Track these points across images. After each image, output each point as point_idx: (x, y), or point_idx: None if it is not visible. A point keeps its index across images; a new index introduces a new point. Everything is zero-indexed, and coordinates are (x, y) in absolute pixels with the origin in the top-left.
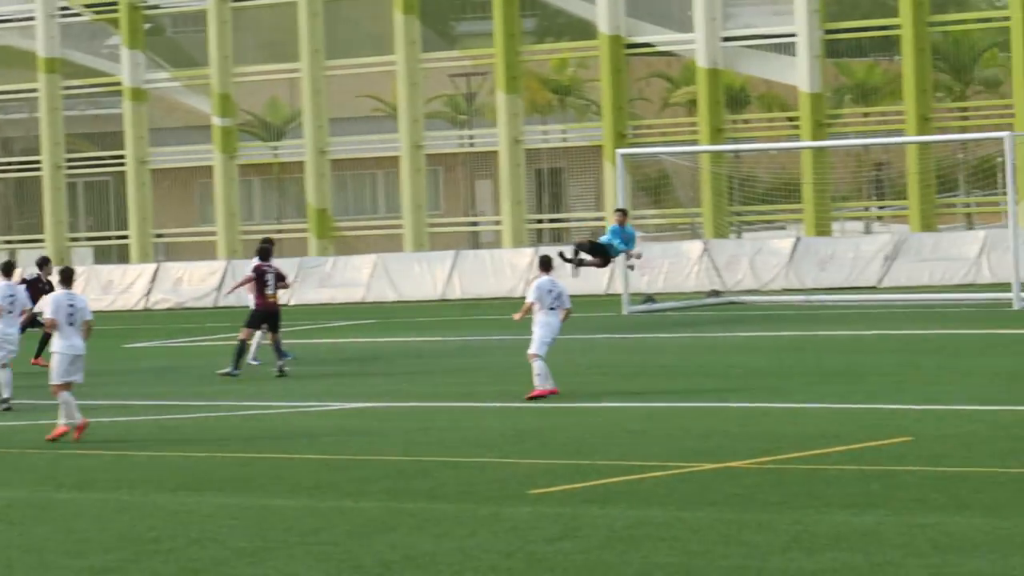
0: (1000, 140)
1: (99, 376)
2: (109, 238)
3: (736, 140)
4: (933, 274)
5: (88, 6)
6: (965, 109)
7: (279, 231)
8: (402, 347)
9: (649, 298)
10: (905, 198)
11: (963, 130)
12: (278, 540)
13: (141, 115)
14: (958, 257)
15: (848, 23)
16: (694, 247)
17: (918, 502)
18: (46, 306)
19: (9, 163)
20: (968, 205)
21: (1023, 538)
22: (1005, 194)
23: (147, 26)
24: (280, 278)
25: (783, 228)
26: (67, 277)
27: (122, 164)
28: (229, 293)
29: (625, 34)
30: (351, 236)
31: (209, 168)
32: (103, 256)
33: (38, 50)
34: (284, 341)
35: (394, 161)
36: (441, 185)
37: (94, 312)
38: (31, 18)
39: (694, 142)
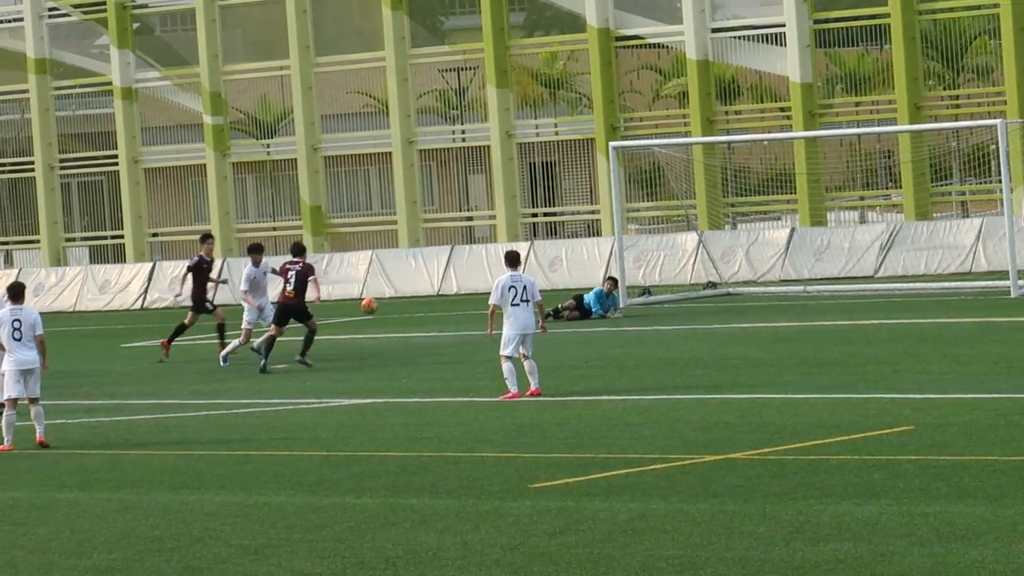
0: (993, 128)
1: (98, 376)
2: (104, 238)
3: (728, 131)
4: (929, 263)
5: (76, 6)
6: (957, 97)
7: (274, 229)
8: (400, 343)
9: (646, 291)
10: (899, 187)
11: (955, 118)
12: (280, 537)
13: (132, 114)
14: (954, 245)
15: (837, 12)
16: (689, 239)
17: (920, 491)
18: None
19: (2, 164)
20: (963, 193)
21: None
22: (1000, 182)
23: (135, 25)
24: (305, 275)
25: (778, 219)
26: (15, 293)
27: (115, 164)
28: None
29: (614, 27)
30: (346, 233)
31: (202, 166)
32: (99, 256)
33: (28, 51)
34: (280, 339)
35: (387, 157)
36: (434, 180)
37: (91, 312)
38: (20, 19)
39: (686, 134)
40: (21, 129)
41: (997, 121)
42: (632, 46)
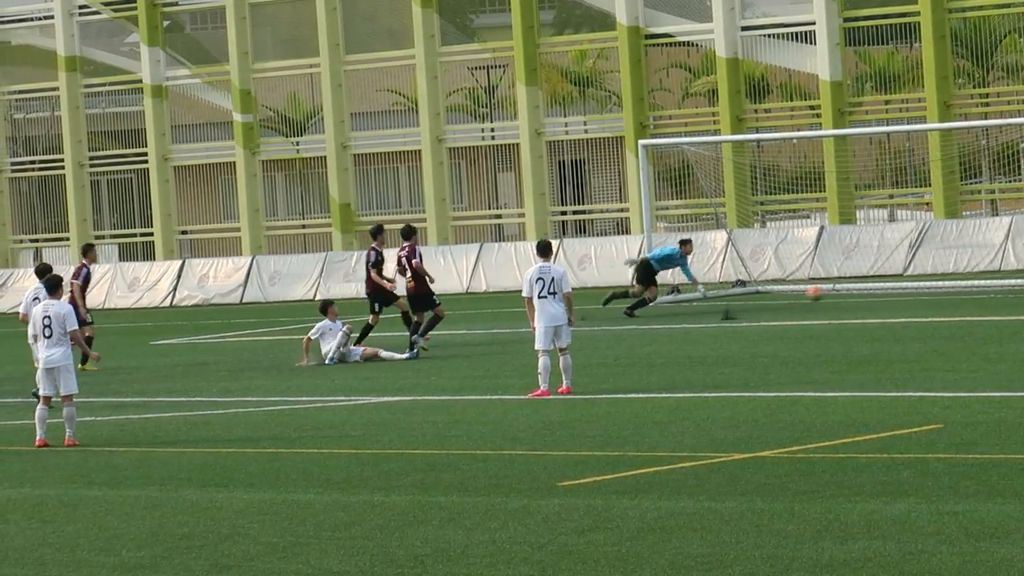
0: (1023, 126)
1: (127, 373)
2: (134, 235)
3: (758, 129)
4: (959, 261)
5: (107, 4)
6: (986, 95)
7: (303, 226)
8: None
9: (675, 288)
10: (928, 185)
11: (985, 116)
12: (309, 535)
13: (162, 112)
14: (983, 243)
15: (867, 11)
16: (719, 237)
17: (949, 489)
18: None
19: (32, 162)
20: (993, 191)
21: None
22: None
23: (166, 23)
24: (410, 260)
25: (807, 217)
26: (52, 286)
27: (144, 161)
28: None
29: (644, 25)
30: None
31: (232, 164)
32: (128, 253)
33: (58, 49)
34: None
35: (416, 155)
36: (463, 178)
37: (120, 309)
38: (50, 17)
39: (716, 132)
40: (51, 127)
41: None
42: (662, 44)
